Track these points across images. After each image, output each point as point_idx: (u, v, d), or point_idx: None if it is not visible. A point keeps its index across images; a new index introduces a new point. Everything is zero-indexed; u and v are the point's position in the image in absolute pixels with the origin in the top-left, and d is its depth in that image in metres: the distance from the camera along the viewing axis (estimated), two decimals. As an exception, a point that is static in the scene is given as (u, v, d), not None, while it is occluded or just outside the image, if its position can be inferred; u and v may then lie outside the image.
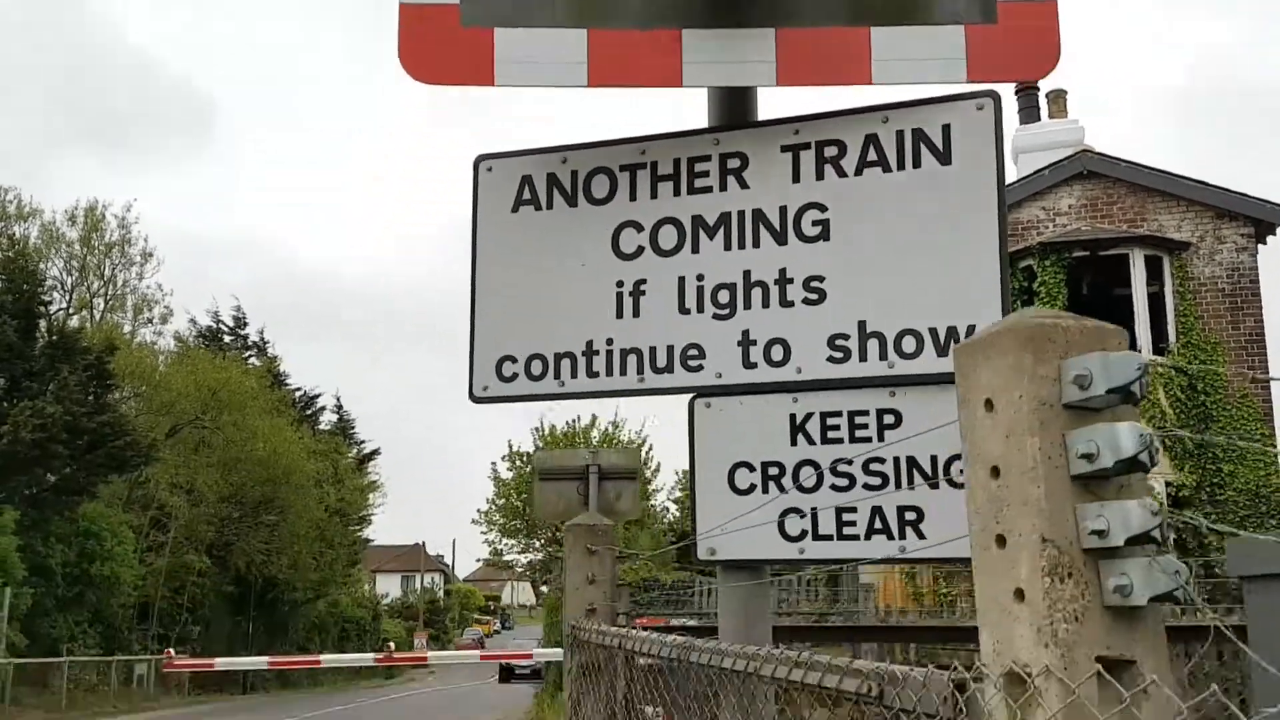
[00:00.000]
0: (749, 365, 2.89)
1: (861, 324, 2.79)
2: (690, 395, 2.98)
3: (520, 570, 79.62)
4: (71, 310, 30.40)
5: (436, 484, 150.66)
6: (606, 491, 16.15)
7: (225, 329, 40.93)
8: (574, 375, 3.08)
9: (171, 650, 15.54)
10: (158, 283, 39.86)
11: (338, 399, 49.01)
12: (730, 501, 2.85)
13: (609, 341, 3.05)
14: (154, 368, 31.50)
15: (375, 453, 50.75)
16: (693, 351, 2.96)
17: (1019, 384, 1.40)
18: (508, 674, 36.32)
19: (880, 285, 2.81)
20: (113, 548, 26.54)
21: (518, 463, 69.88)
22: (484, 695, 30.47)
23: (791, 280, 2.88)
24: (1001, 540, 1.41)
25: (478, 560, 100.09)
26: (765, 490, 2.83)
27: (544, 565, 70.06)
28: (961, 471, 2.81)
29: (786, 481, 2.81)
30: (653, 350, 3.01)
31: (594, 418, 67.78)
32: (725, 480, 2.87)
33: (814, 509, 2.76)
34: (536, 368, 3.13)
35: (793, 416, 2.84)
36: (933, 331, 2.73)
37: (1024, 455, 1.34)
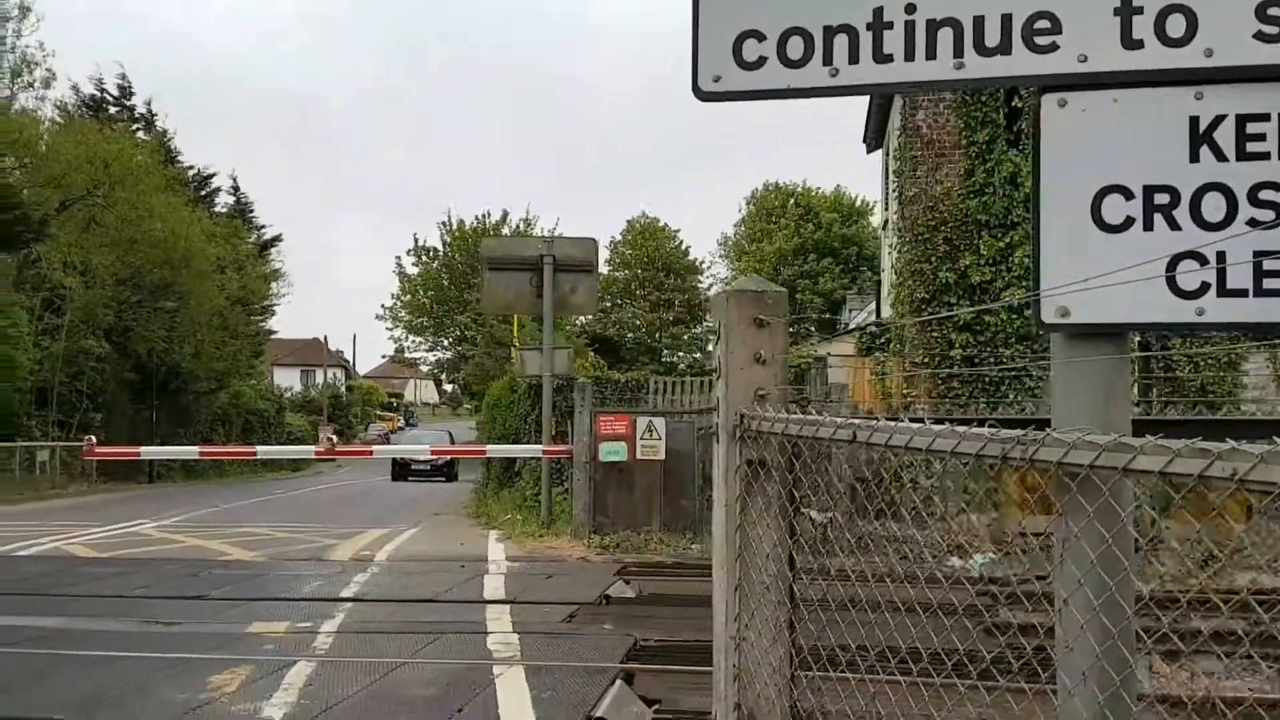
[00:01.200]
0: (1131, 44, 2.00)
1: (1313, -18, 1.92)
2: (1036, 88, 2.10)
3: (427, 368, 79.31)
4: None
5: (336, 278, 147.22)
6: (561, 284, 15.30)
7: (110, 99, 37.29)
8: (854, 59, 2.15)
9: (92, 437, 14.46)
10: (39, 41, 35.54)
11: (234, 179, 46.06)
12: (1095, 242, 2.02)
13: (909, 9, 2.12)
14: (38, 137, 28.51)
15: (277, 239, 48.42)
16: (1043, 23, 2.05)
17: None
18: (403, 471, 34.64)
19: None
20: (5, 329, 24.70)
21: (424, 258, 68.36)
22: (403, 490, 30.26)
23: (1205, -87, 1.97)
24: None
25: (382, 356, 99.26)
26: (1148, 226, 2.00)
27: (452, 364, 69.72)
28: None
29: (1181, 214, 1.99)
30: (978, 22, 2.09)
31: (505, 213, 66.16)
32: (1087, 211, 2.03)
33: (1222, 254, 1.96)
34: (795, 49, 2.18)
35: (1194, 121, 1.99)
36: None
37: None
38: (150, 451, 18.24)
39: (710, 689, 6.28)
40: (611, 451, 12.93)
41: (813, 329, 42.24)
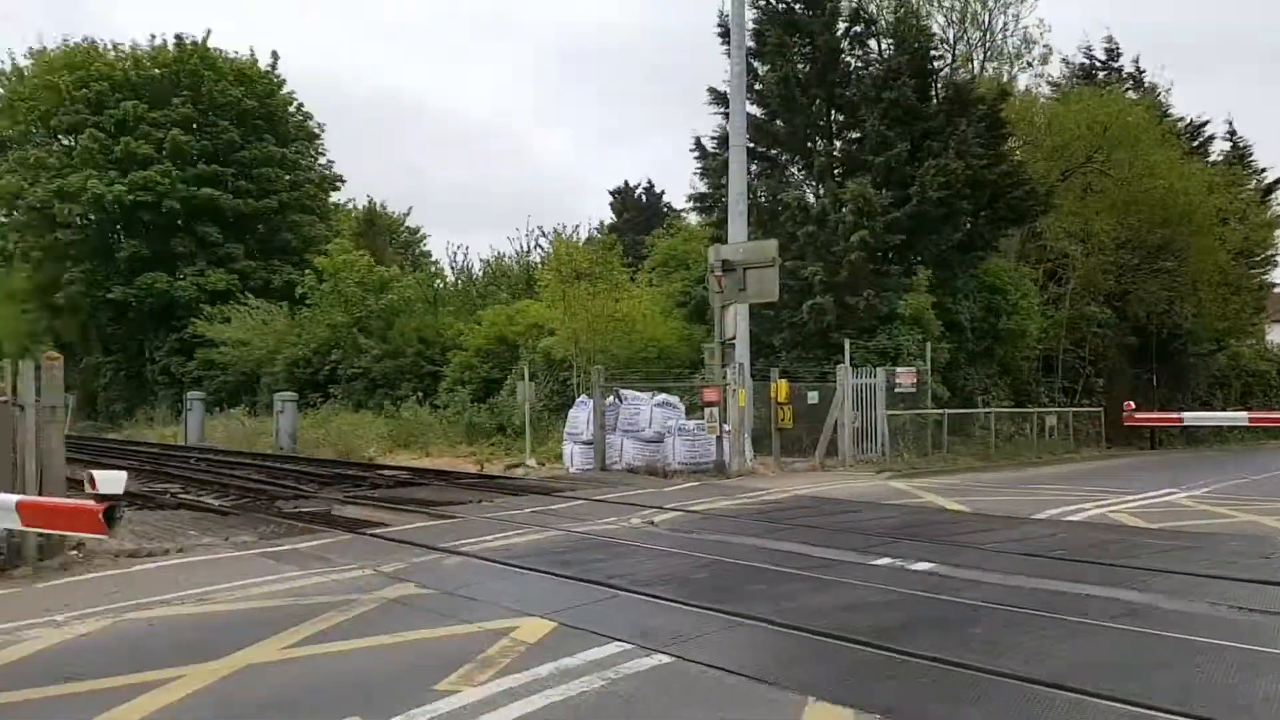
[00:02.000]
0: None
1: None
2: None
3: None
4: (956, 64, 30.16)
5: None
6: None
7: (1099, 64, 37.57)
8: None
9: (1131, 403, 14.46)
10: (1039, 18, 37.86)
11: (1229, 124, 42.33)
12: None
13: None
14: (1037, 113, 30.06)
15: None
16: None
17: None
18: None
19: None
20: (1017, 301, 26.63)
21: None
22: None
23: None
24: None
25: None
26: None
27: None
28: None
29: None
30: None
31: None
32: None
33: None
34: None
35: None
36: None
37: None
38: (1192, 418, 17.29)
39: None
40: None
41: None
